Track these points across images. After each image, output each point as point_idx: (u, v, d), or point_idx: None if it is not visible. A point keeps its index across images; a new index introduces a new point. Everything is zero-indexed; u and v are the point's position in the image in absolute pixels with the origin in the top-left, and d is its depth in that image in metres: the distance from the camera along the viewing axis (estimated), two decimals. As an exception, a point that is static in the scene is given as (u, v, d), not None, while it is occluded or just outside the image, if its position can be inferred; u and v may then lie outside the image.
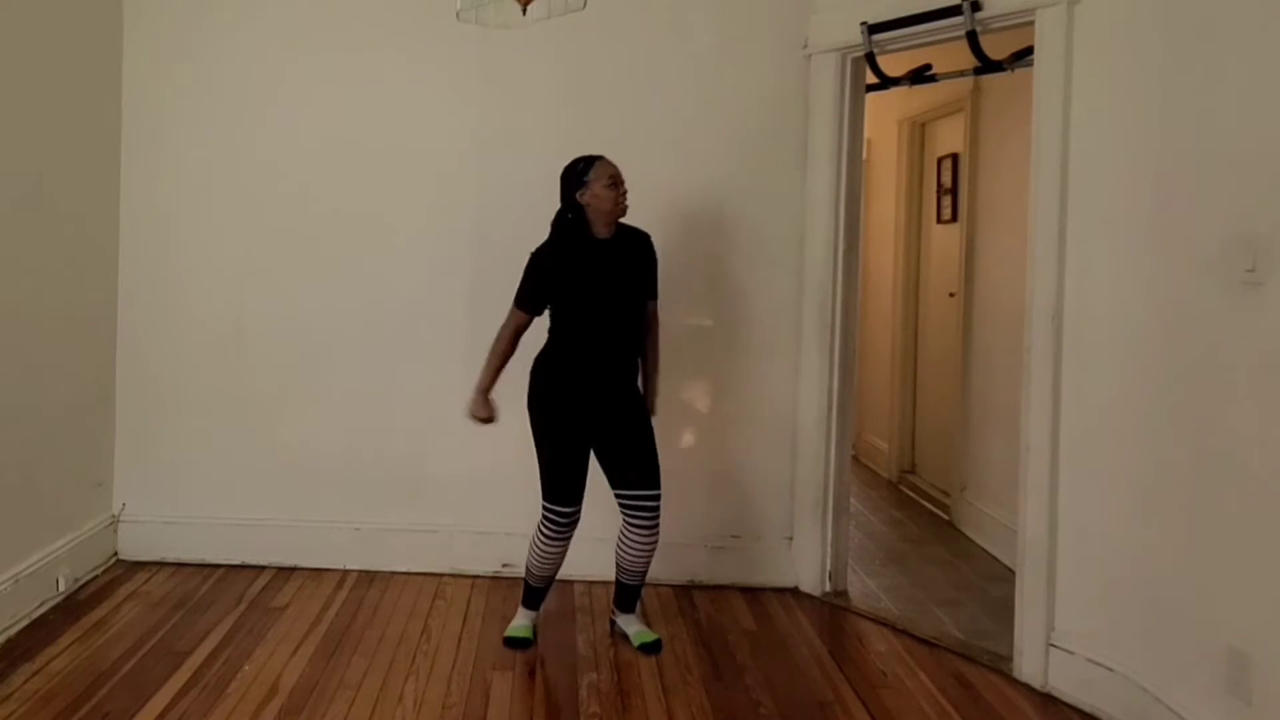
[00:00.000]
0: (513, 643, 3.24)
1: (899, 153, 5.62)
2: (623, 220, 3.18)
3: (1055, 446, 2.98)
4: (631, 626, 3.30)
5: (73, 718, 2.68)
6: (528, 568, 3.28)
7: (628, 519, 3.17)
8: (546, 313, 3.19)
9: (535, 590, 3.31)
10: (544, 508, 3.19)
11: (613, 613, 3.38)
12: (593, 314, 3.14)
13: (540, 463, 3.18)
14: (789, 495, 3.84)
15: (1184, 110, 2.59)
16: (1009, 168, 4.14)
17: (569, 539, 3.21)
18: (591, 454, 3.20)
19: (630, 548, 3.18)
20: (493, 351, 3.17)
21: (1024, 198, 3.16)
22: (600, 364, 3.15)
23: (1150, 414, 2.69)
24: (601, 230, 3.12)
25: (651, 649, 3.20)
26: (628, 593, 3.30)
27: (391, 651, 3.17)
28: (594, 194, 3.08)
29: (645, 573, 3.26)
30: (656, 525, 3.16)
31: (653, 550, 3.20)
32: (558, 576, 3.31)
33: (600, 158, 3.12)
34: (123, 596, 3.57)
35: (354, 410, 3.91)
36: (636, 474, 3.14)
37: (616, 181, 3.10)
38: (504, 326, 3.17)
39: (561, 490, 3.16)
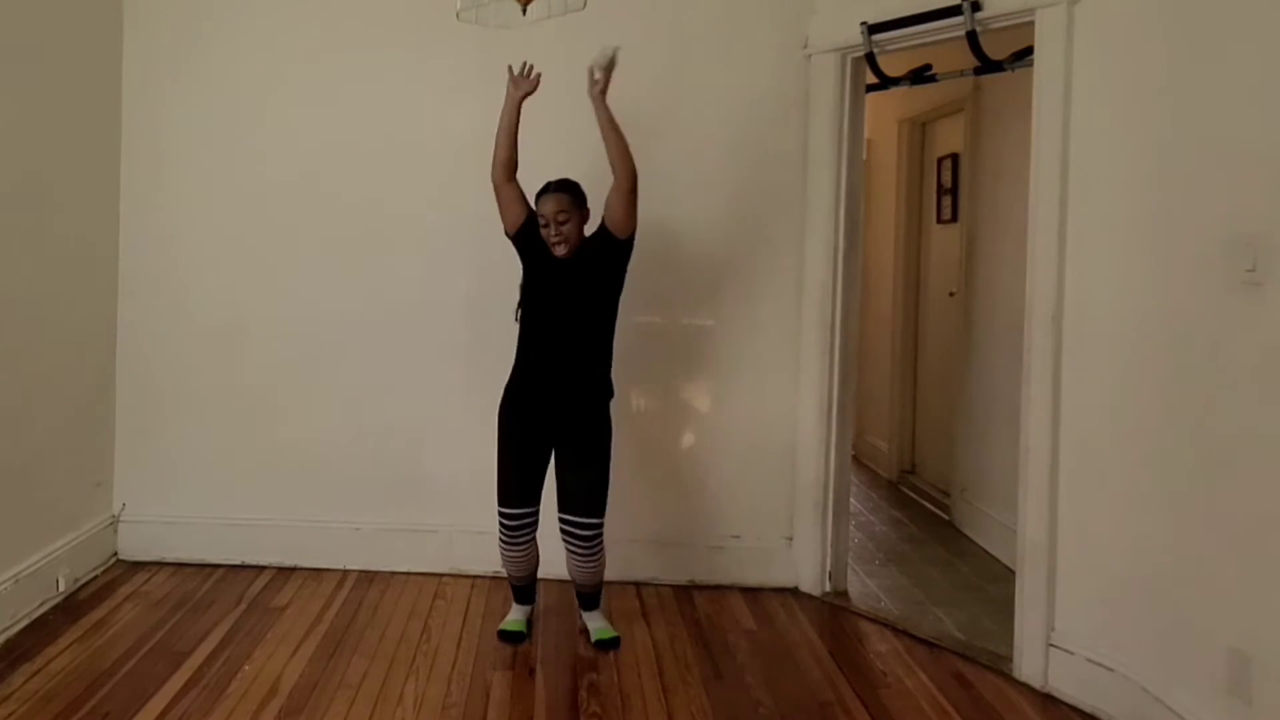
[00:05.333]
0: (507, 636, 3.25)
1: (899, 153, 5.61)
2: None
3: (1055, 447, 2.98)
4: (593, 623, 3.31)
5: (73, 718, 2.68)
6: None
7: (563, 542, 3.17)
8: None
9: (518, 588, 3.34)
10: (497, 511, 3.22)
11: (579, 612, 3.39)
12: (542, 329, 3.13)
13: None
14: (789, 495, 3.84)
15: (1184, 110, 2.59)
16: (1009, 168, 4.13)
17: (526, 542, 3.21)
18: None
19: (571, 568, 3.22)
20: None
21: (1024, 197, 3.15)
22: (549, 377, 3.13)
23: (1150, 414, 2.69)
24: (559, 250, 3.08)
25: (609, 645, 3.20)
26: (585, 597, 3.32)
27: (391, 651, 3.17)
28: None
29: (596, 585, 3.28)
30: (591, 553, 3.15)
31: (593, 571, 3.21)
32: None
33: (545, 193, 3.08)
34: (123, 596, 3.57)
35: (354, 410, 3.92)
36: (570, 500, 3.14)
37: (546, 222, 3.06)
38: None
39: (504, 491, 3.20)
